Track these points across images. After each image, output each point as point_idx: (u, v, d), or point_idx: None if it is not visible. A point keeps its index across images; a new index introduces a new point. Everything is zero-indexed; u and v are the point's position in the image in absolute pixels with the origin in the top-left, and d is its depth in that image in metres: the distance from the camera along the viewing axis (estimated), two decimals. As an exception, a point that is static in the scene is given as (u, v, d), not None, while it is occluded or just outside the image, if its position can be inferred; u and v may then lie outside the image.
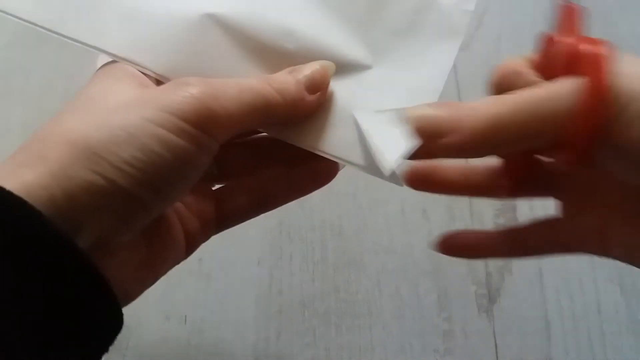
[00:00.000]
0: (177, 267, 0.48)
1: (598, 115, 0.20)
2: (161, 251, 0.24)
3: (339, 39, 0.27)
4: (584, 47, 0.21)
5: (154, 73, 0.25)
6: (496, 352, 0.43)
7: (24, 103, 0.57)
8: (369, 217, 0.49)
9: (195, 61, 0.25)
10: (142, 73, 0.24)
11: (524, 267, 0.46)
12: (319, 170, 0.28)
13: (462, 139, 0.20)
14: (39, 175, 0.18)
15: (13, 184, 0.18)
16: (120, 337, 0.46)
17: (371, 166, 0.24)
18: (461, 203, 0.49)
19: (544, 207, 0.49)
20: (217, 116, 0.21)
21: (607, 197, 0.25)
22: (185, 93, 0.20)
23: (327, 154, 0.25)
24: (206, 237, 0.28)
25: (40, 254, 0.17)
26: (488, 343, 0.43)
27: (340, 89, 0.26)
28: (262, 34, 0.26)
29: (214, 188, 0.28)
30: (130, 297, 0.23)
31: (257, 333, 0.44)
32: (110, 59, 0.25)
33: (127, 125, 0.19)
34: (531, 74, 0.23)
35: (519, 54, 0.26)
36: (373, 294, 0.45)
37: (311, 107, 0.25)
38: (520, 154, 0.26)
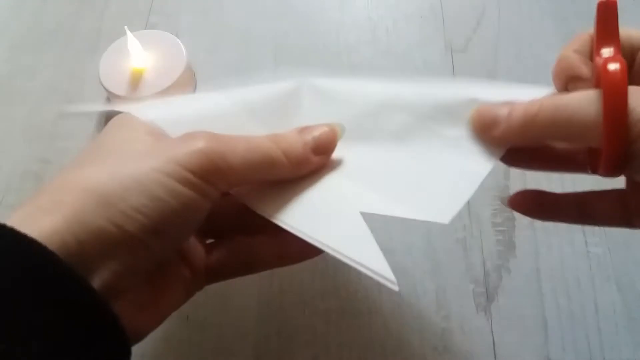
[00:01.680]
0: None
1: (619, 132, 0.22)
2: (165, 291, 0.25)
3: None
4: (609, 66, 0.23)
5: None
6: (494, 350, 0.43)
7: (27, 104, 0.58)
8: (368, 217, 0.49)
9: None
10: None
11: (521, 266, 0.46)
12: (306, 243, 0.28)
13: (505, 131, 0.25)
14: (54, 221, 0.19)
15: (32, 229, 0.19)
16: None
17: (354, 256, 0.24)
18: (460, 203, 0.49)
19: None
20: (221, 171, 0.22)
21: None
22: (192, 147, 0.22)
23: (309, 237, 0.25)
24: (199, 287, 0.29)
25: (58, 294, 0.18)
26: (486, 341, 0.43)
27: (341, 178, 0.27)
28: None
29: (207, 241, 0.29)
30: (137, 338, 0.24)
31: (257, 331, 0.44)
32: (121, 109, 0.26)
33: (137, 174, 0.20)
34: (583, 72, 0.26)
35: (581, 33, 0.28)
36: (372, 292, 0.46)
37: (313, 168, 0.26)
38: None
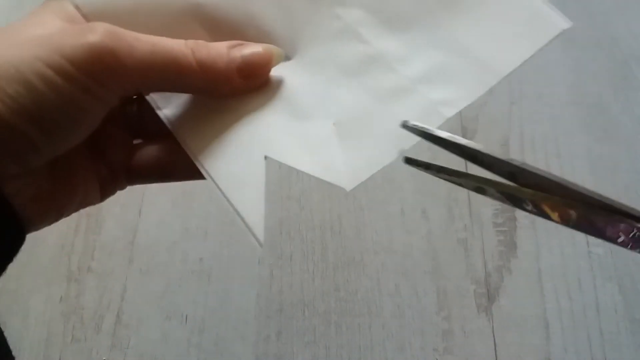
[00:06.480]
0: (177, 266, 0.48)
1: None
2: (68, 190, 0.24)
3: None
4: None
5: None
6: (495, 351, 0.43)
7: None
8: (369, 217, 0.49)
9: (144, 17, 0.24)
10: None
11: (523, 267, 0.46)
12: None
13: None
14: None
15: None
16: (121, 336, 0.46)
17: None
18: (460, 203, 0.49)
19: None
20: (112, 70, 0.20)
21: None
22: (83, 40, 0.20)
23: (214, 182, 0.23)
24: (119, 186, 0.27)
25: None
26: (487, 342, 0.43)
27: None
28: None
29: (135, 142, 0.28)
30: (30, 225, 0.23)
31: (257, 332, 0.44)
32: None
33: (16, 61, 0.20)
34: None
35: None
36: (373, 293, 0.46)
37: (236, 90, 0.24)
38: None
